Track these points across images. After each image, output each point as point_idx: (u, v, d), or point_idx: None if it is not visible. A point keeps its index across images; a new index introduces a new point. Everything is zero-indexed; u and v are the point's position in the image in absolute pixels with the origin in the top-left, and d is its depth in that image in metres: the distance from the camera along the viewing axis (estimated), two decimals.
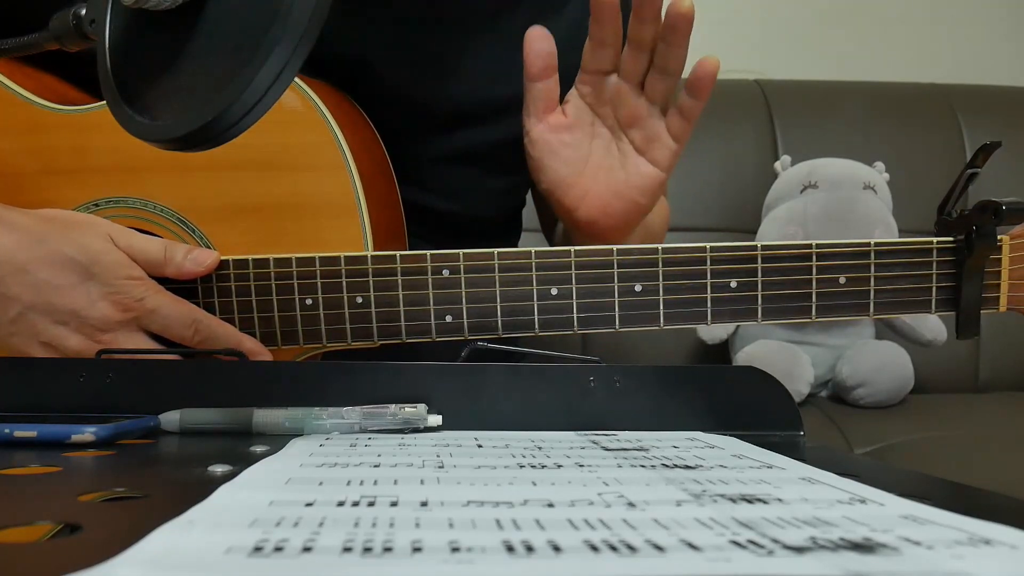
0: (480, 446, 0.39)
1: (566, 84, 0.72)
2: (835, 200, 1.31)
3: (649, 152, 0.63)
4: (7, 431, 0.39)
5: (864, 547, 0.21)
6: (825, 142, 1.44)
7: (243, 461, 0.32)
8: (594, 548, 0.20)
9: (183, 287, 0.57)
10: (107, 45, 0.40)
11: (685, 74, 0.61)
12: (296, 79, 0.58)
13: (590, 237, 0.67)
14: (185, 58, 0.37)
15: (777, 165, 1.41)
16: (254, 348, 0.57)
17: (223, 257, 0.58)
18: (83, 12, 0.41)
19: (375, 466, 0.32)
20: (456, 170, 0.72)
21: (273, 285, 0.58)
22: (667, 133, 0.62)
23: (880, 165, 1.38)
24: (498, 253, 0.57)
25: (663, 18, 0.57)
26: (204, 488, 0.26)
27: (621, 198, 0.64)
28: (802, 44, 1.73)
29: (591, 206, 0.65)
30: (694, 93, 0.60)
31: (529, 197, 0.88)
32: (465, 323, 0.58)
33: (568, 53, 0.72)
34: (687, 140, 0.63)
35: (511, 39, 0.70)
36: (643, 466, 0.33)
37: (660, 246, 0.57)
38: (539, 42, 0.61)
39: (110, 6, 0.40)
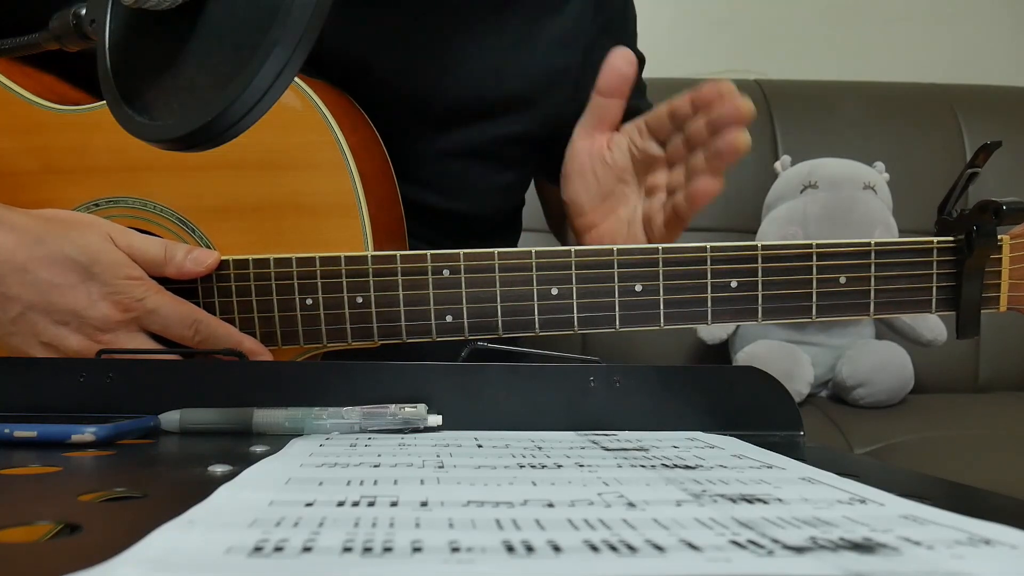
0: (480, 446, 0.39)
1: (558, 84, 0.72)
2: (835, 200, 1.31)
3: (647, 225, 0.64)
4: (7, 431, 0.39)
5: (864, 547, 0.21)
6: (825, 142, 1.45)
7: (243, 461, 0.32)
8: (594, 548, 0.20)
9: (183, 287, 0.57)
10: (107, 45, 0.40)
11: None
12: (296, 78, 0.58)
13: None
14: (185, 58, 0.37)
15: (777, 165, 1.41)
16: (254, 348, 0.57)
17: (223, 257, 0.58)
18: (83, 12, 0.41)
19: (375, 466, 0.32)
20: (456, 167, 0.72)
21: (273, 285, 0.58)
22: (661, 213, 0.63)
23: (880, 165, 1.38)
24: (498, 253, 0.57)
25: (720, 133, 0.57)
26: (204, 488, 0.26)
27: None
28: (802, 44, 1.73)
29: (593, 239, 0.66)
30: (691, 203, 0.60)
31: (532, 196, 0.88)
32: (465, 323, 0.58)
33: (564, 52, 0.72)
34: (679, 234, 0.64)
35: (510, 36, 0.70)
36: (643, 466, 0.33)
37: (660, 246, 0.57)
38: (621, 61, 0.62)
39: (110, 6, 0.40)
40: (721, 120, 0.57)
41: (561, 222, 0.90)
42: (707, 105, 0.58)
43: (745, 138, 0.57)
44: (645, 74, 0.82)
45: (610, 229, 0.66)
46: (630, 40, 0.80)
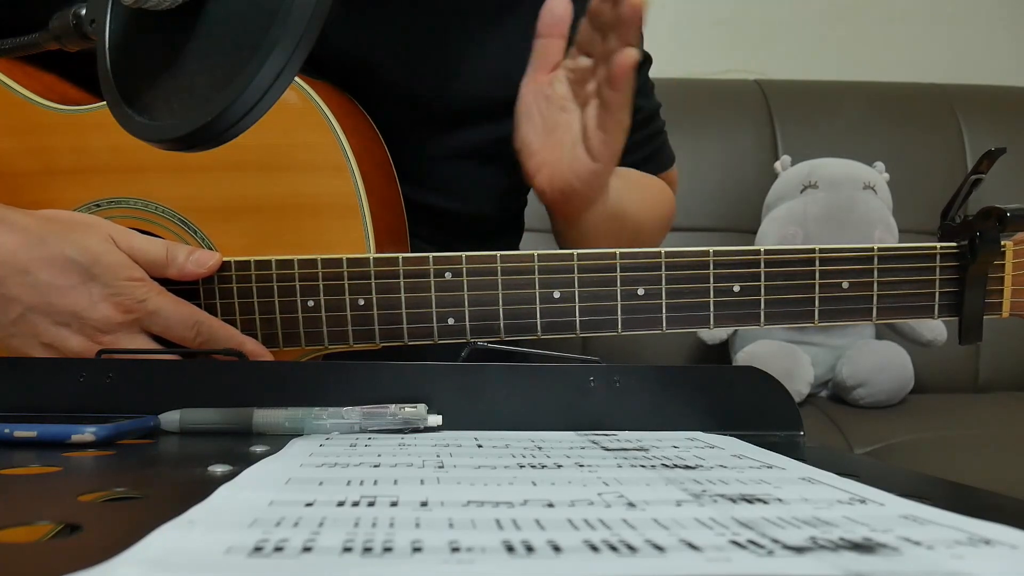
0: (480, 446, 0.39)
1: None
2: (835, 200, 1.31)
3: (585, 138, 0.63)
4: (7, 431, 0.39)
5: (864, 547, 0.21)
6: (825, 142, 1.45)
7: (243, 461, 0.32)
8: (594, 548, 0.20)
9: (184, 288, 0.57)
10: (107, 45, 0.40)
11: None
12: (297, 79, 0.58)
13: (550, 210, 0.70)
14: (185, 58, 0.37)
15: (777, 165, 1.41)
16: (255, 350, 0.57)
17: (225, 258, 0.58)
18: (83, 12, 0.41)
19: (375, 466, 0.32)
20: (458, 168, 0.72)
21: (275, 287, 0.58)
22: (595, 122, 0.62)
23: (880, 165, 1.38)
24: (501, 256, 0.57)
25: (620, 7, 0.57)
26: (204, 488, 0.26)
27: (563, 177, 0.64)
28: (802, 44, 1.73)
29: (543, 177, 0.65)
30: (612, 84, 0.59)
31: (534, 196, 0.88)
32: (467, 326, 0.57)
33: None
34: (619, 135, 0.62)
35: (512, 38, 0.70)
36: (643, 466, 0.33)
37: (663, 249, 0.57)
38: (557, 3, 0.62)
39: (110, 6, 0.40)
40: None
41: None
42: None
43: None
44: None
45: (557, 159, 0.64)
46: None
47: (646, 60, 0.82)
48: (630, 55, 0.57)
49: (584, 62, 0.63)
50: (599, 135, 0.61)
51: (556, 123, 0.65)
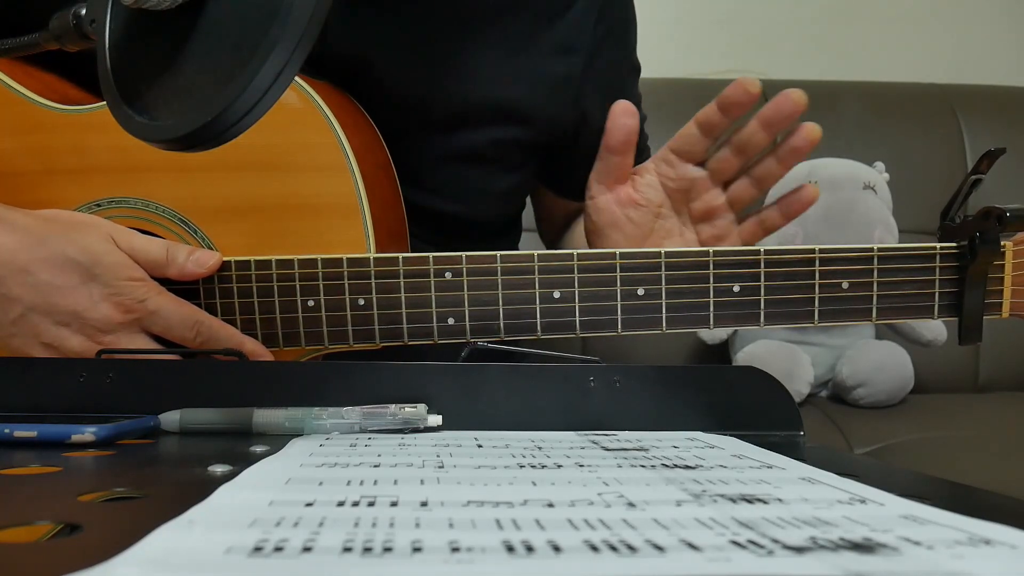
0: (480, 446, 0.39)
1: (558, 91, 0.72)
2: (835, 200, 1.31)
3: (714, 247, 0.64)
4: (7, 431, 0.39)
5: (864, 547, 0.21)
6: (825, 142, 1.44)
7: (243, 461, 0.32)
8: (594, 548, 0.20)
9: (184, 288, 0.57)
10: (107, 45, 0.40)
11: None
12: (298, 79, 0.58)
13: None
14: (185, 58, 0.38)
15: None
16: (255, 349, 0.57)
17: (225, 258, 0.58)
18: (83, 12, 0.41)
19: (375, 466, 0.32)
20: (457, 170, 0.72)
21: (275, 286, 0.58)
22: (737, 236, 0.63)
23: (880, 165, 1.38)
24: (501, 256, 0.57)
25: (786, 137, 0.58)
26: (204, 488, 0.26)
27: None
28: (802, 44, 1.73)
29: None
30: (786, 213, 0.61)
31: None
32: (467, 326, 0.57)
33: (565, 59, 0.72)
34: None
35: (514, 41, 0.70)
36: (643, 466, 0.33)
37: (663, 250, 0.57)
38: (625, 117, 0.62)
39: (110, 6, 0.40)
40: (780, 117, 0.57)
41: (551, 226, 0.90)
42: (734, 106, 0.58)
43: (817, 127, 0.57)
44: (647, 74, 0.82)
45: None
46: (629, 50, 0.80)
47: (636, 70, 0.81)
48: (813, 194, 0.61)
49: (695, 173, 0.63)
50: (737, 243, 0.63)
51: (652, 229, 0.66)
